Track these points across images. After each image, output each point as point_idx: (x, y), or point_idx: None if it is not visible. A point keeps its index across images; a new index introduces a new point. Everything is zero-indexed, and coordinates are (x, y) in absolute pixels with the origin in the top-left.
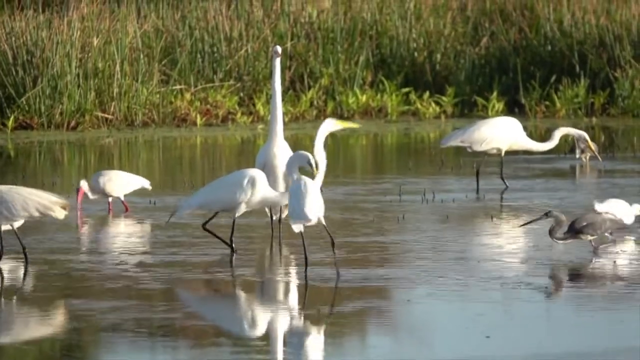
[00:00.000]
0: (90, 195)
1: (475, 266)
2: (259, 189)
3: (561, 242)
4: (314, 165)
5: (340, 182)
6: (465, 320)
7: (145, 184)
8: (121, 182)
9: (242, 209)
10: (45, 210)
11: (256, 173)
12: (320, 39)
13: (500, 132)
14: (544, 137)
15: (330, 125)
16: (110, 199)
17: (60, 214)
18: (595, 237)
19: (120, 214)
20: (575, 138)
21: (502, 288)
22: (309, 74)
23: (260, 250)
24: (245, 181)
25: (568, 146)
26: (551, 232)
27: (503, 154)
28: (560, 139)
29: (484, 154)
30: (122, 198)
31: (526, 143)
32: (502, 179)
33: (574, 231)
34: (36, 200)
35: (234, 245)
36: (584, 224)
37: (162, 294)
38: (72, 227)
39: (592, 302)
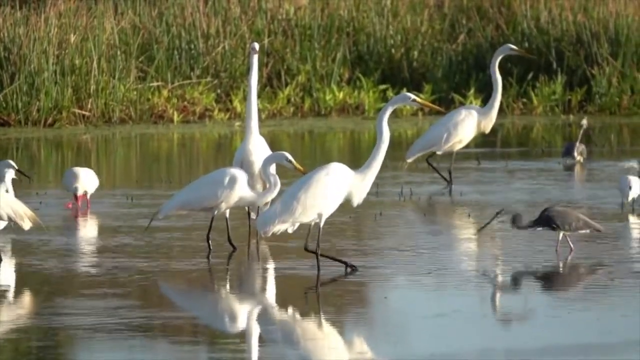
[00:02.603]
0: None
1: (452, 262)
2: (239, 188)
3: (529, 229)
4: (293, 161)
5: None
6: (442, 317)
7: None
8: (91, 179)
9: (223, 207)
10: (15, 218)
11: (237, 172)
12: (297, 36)
13: (454, 124)
14: (520, 132)
15: (403, 99)
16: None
17: (27, 225)
18: (567, 232)
19: (86, 212)
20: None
21: (479, 284)
22: (286, 71)
23: (239, 248)
24: (227, 179)
25: (546, 143)
26: (514, 221)
27: (463, 145)
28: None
29: (452, 152)
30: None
31: (484, 117)
32: (445, 174)
33: (544, 220)
34: (9, 206)
35: (210, 242)
36: (556, 215)
37: (141, 293)
38: (47, 227)
39: (568, 298)
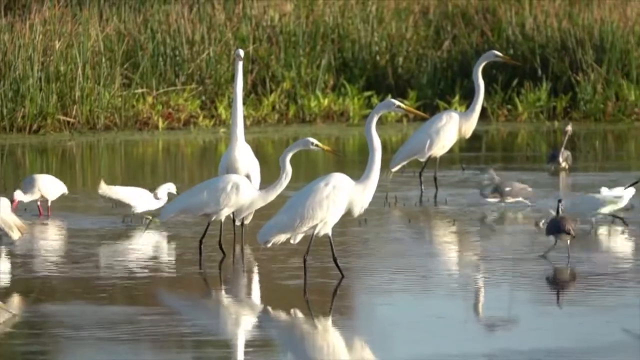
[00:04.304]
0: (25, 199)
1: (436, 269)
2: (246, 192)
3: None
4: (319, 144)
5: (302, 186)
6: (426, 322)
7: (65, 189)
8: (54, 186)
9: (225, 213)
10: (5, 228)
11: (239, 178)
12: (282, 43)
13: (436, 130)
14: (504, 138)
15: (388, 105)
16: (39, 202)
17: (16, 235)
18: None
19: (55, 217)
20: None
21: (464, 289)
22: (271, 78)
23: (226, 253)
24: (230, 186)
25: (530, 150)
26: (549, 226)
27: (446, 150)
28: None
29: (436, 158)
30: (50, 202)
31: (465, 122)
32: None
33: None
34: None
35: (202, 247)
36: (563, 223)
37: (128, 299)
38: (31, 234)
39: (553, 302)
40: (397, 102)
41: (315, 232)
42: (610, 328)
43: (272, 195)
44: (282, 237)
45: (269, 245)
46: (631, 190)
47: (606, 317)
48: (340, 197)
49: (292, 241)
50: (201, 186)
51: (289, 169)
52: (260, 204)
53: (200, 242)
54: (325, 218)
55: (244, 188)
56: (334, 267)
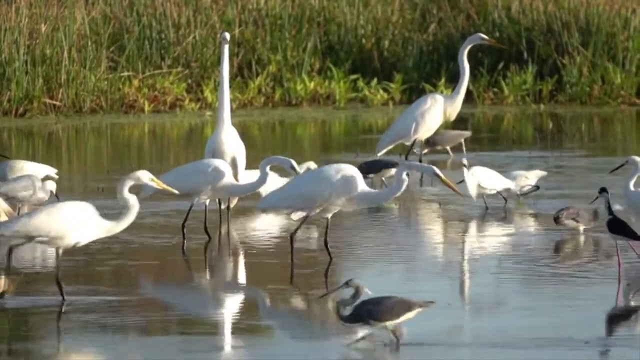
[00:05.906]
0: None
1: (423, 251)
2: (225, 179)
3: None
4: (297, 169)
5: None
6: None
7: (51, 172)
8: (31, 171)
9: (204, 196)
10: None
11: (220, 163)
12: (268, 26)
13: (421, 113)
14: (490, 121)
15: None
16: None
17: (2, 219)
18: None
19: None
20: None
21: (449, 272)
22: (256, 61)
23: (211, 237)
24: (210, 170)
25: (516, 132)
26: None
27: (431, 133)
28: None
29: (421, 141)
30: None
31: (450, 104)
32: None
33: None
34: None
35: (185, 230)
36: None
37: (113, 280)
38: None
39: (539, 284)
40: (437, 171)
41: (312, 214)
42: (594, 311)
43: (247, 192)
44: (282, 211)
45: (265, 213)
46: (536, 174)
47: (591, 299)
48: (348, 188)
49: (292, 217)
50: (182, 168)
51: (265, 176)
52: (240, 195)
53: (183, 225)
54: (325, 206)
55: (223, 174)
56: (322, 250)
